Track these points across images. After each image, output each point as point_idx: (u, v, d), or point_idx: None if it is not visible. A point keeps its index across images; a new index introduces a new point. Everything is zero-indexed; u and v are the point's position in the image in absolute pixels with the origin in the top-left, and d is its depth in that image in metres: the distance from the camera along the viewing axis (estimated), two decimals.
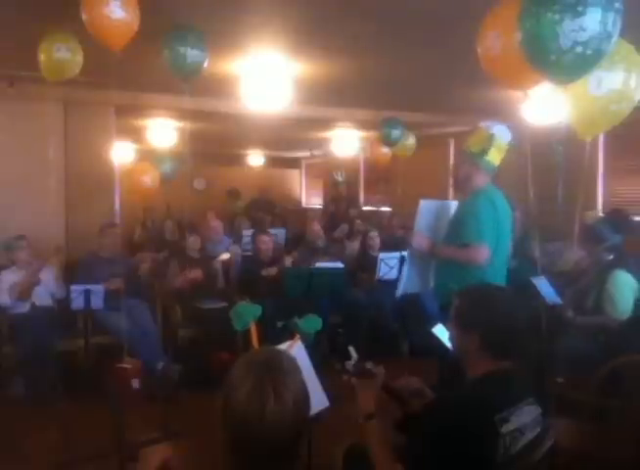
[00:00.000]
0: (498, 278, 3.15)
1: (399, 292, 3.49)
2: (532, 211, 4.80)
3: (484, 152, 3.14)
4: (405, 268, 3.51)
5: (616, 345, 3.56)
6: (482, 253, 3.03)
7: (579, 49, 2.11)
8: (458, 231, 3.15)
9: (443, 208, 3.48)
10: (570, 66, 2.20)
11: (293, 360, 1.34)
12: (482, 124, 3.22)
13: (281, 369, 1.28)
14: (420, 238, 3.31)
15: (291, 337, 2.35)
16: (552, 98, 4.09)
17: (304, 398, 1.30)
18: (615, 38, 2.16)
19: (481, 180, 3.21)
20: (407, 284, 3.49)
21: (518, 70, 2.56)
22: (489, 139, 3.14)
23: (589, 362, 3.28)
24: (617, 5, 2.10)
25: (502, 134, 3.17)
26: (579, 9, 2.05)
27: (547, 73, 2.36)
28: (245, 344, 4.32)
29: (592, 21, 2.07)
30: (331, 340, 5.08)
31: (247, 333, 2.39)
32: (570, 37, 2.09)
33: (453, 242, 3.19)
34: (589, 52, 2.13)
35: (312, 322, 2.40)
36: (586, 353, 3.61)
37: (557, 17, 2.08)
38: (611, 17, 2.08)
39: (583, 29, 2.07)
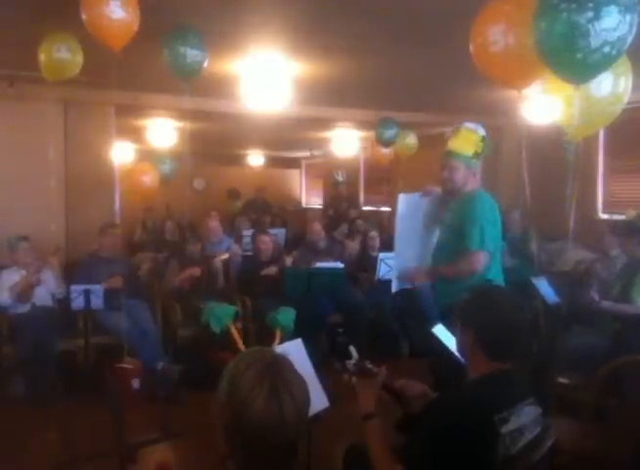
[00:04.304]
0: (497, 276, 3.13)
1: (394, 288, 3.51)
2: (531, 211, 4.80)
3: (449, 144, 3.16)
4: (396, 256, 3.55)
5: (627, 342, 3.59)
6: (482, 260, 3.00)
7: (607, 49, 2.10)
8: (459, 236, 3.09)
9: (419, 200, 3.49)
10: (593, 65, 2.18)
11: (286, 357, 1.35)
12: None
13: (285, 369, 1.29)
14: (419, 274, 3.25)
15: (272, 336, 2.35)
16: (552, 98, 4.10)
17: (307, 389, 1.32)
18: (630, 39, 2.16)
19: (468, 180, 3.18)
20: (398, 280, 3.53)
21: (517, 67, 2.55)
22: (454, 131, 3.17)
23: (592, 362, 3.28)
24: (639, 7, 2.11)
25: (469, 126, 3.15)
26: (611, 8, 2.04)
27: (564, 72, 2.32)
28: (244, 344, 4.33)
29: (621, 21, 2.06)
30: (331, 340, 5.08)
31: (245, 332, 2.39)
32: (600, 36, 2.07)
33: (453, 247, 3.15)
34: (614, 52, 2.12)
35: (286, 314, 2.40)
36: (589, 353, 3.62)
37: (590, 14, 2.05)
38: (630, 17, 2.08)
39: (614, 29, 2.06)
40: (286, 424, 1.23)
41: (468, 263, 3.02)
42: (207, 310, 2.41)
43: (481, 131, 3.12)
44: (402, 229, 3.48)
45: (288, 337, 2.37)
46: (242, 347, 2.34)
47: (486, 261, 3.01)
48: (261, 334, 4.33)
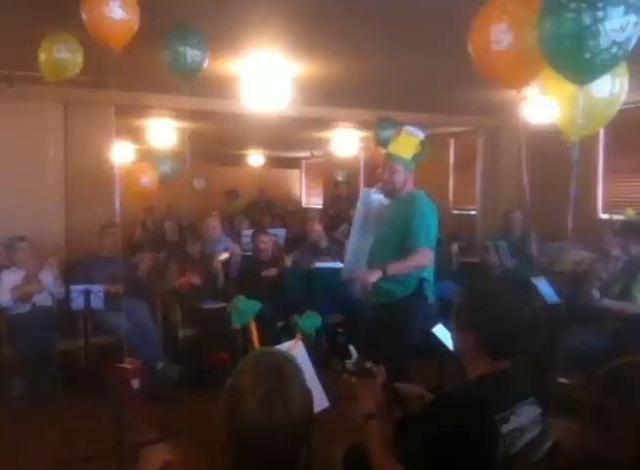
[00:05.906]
0: (430, 274, 3.29)
1: (344, 275, 3.65)
2: (531, 211, 4.81)
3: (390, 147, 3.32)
4: (349, 249, 3.68)
5: (627, 341, 3.61)
6: (430, 256, 3.18)
7: (614, 49, 2.08)
8: (401, 234, 3.21)
9: (372, 195, 3.66)
10: (600, 65, 2.16)
11: (296, 365, 1.33)
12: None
13: (289, 379, 1.26)
14: (366, 275, 3.14)
15: (291, 337, 2.35)
16: (550, 98, 4.10)
17: (309, 403, 1.29)
18: (635, 40, 2.15)
19: (407, 181, 3.31)
20: (349, 269, 3.62)
21: (517, 66, 2.54)
22: (394, 135, 3.34)
23: (592, 362, 3.29)
24: None
25: (409, 130, 3.28)
26: (619, 8, 2.03)
27: (570, 72, 2.30)
28: (244, 343, 4.33)
29: (629, 22, 2.05)
30: (331, 340, 5.08)
31: (246, 332, 2.38)
32: (609, 36, 2.05)
33: (394, 244, 3.24)
34: (620, 53, 2.11)
35: (312, 320, 2.39)
36: (589, 353, 3.62)
37: (600, 14, 2.03)
38: (636, 18, 2.07)
39: (623, 30, 2.05)
40: (273, 436, 1.20)
41: (419, 260, 3.14)
42: (232, 304, 2.42)
43: (421, 135, 3.27)
44: (356, 221, 3.68)
45: (309, 342, 2.36)
46: (257, 345, 2.34)
47: (432, 258, 3.18)
48: (262, 334, 4.33)
